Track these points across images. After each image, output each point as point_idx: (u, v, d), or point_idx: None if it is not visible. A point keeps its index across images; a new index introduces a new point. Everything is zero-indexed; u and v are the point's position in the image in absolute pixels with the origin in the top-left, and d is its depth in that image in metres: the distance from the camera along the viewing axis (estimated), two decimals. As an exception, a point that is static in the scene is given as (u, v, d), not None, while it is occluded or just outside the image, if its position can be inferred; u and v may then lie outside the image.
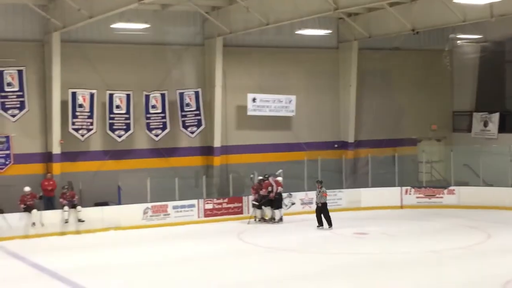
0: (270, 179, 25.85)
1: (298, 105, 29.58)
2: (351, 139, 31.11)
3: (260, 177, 26.32)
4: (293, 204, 27.61)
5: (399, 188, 29.09)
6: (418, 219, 26.27)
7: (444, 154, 32.26)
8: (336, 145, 31.04)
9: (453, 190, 28.71)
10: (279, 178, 26.04)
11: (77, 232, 24.16)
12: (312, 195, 27.80)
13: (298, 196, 27.82)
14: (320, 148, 30.21)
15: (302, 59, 30.37)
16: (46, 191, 24.88)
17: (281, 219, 25.68)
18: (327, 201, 24.64)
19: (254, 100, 28.74)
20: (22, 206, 23.75)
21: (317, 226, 24.35)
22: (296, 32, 28.01)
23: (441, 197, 28.80)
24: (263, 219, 25.84)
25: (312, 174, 28.54)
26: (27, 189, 23.95)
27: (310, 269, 18.10)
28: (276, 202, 25.76)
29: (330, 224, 24.27)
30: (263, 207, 25.81)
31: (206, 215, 26.07)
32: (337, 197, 28.50)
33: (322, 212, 24.40)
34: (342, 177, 29.77)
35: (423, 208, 28.49)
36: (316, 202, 24.90)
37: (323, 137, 30.89)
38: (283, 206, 26.32)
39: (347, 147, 31.05)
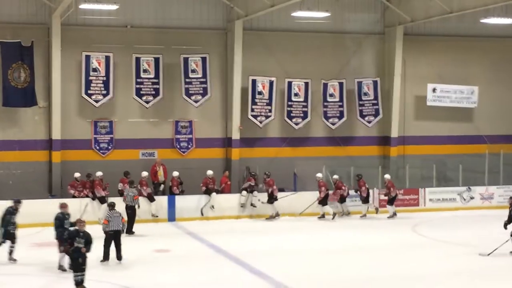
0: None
1: (481, 96, 28.58)
2: (537, 132, 29.65)
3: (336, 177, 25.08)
4: (472, 198, 26.77)
5: None
6: None
7: None
8: (521, 138, 29.69)
9: None
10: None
11: (250, 217, 24.64)
12: (493, 190, 26.87)
13: (478, 190, 26.91)
14: (503, 142, 29.04)
15: (486, 49, 29.30)
16: None
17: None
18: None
19: (434, 90, 28.12)
20: (204, 188, 24.52)
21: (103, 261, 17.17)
22: (481, 21, 26.98)
23: None
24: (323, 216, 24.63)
25: (493, 168, 27.53)
26: (209, 172, 24.58)
27: (487, 266, 17.54)
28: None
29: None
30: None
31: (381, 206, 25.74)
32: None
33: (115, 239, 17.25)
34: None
35: None
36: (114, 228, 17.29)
37: (506, 130, 29.67)
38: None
39: (532, 141, 29.63)
